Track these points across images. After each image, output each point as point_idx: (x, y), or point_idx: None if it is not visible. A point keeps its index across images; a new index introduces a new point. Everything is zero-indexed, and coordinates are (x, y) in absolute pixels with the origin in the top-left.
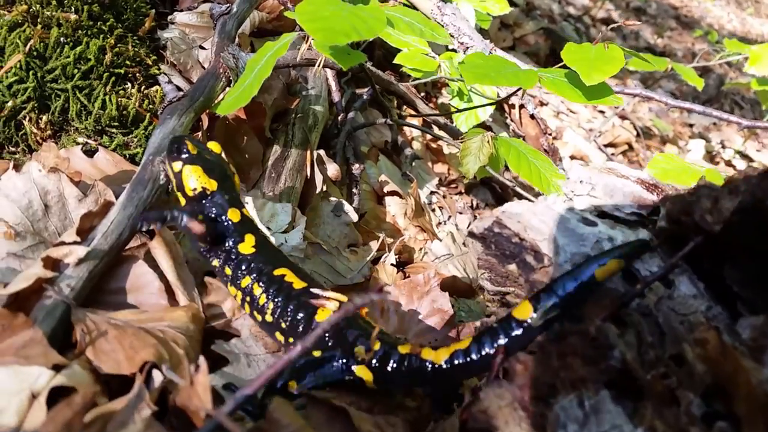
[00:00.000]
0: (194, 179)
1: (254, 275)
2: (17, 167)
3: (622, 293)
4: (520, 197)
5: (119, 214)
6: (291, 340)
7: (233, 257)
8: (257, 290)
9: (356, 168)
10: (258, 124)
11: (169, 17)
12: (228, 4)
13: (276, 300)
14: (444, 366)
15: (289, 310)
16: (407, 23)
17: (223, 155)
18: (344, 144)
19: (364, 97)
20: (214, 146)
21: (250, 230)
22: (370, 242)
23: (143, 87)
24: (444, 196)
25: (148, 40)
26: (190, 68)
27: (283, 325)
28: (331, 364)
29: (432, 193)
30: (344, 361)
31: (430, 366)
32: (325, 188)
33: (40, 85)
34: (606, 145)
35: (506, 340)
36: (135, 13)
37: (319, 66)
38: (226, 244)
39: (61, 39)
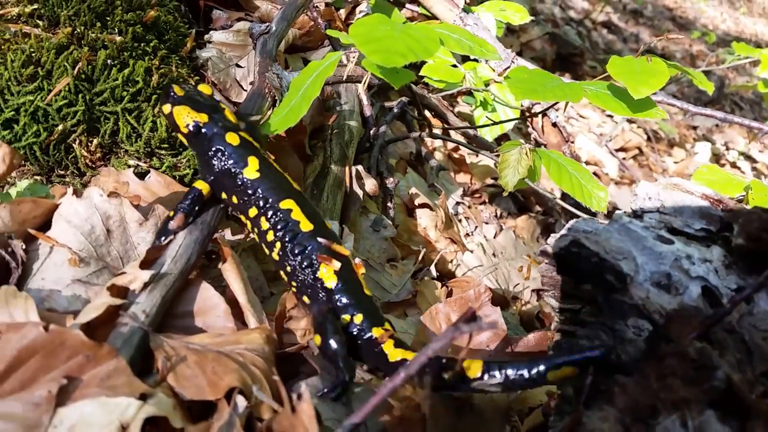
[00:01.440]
0: (184, 116)
1: (260, 204)
2: (77, 192)
3: (711, 313)
4: (545, 208)
5: (186, 238)
6: (293, 284)
7: (239, 183)
8: (264, 224)
9: (390, 182)
10: (298, 141)
11: (206, 36)
12: (265, 24)
13: (284, 240)
14: (391, 361)
15: (294, 254)
16: (456, 40)
17: (214, 95)
18: (377, 158)
19: (394, 110)
20: (204, 88)
21: (252, 153)
22: (407, 256)
23: None
24: (469, 206)
25: (188, 60)
26: (229, 87)
27: (288, 269)
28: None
29: (458, 203)
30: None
31: (383, 357)
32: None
33: (89, 108)
34: (617, 150)
35: (443, 377)
36: (176, 33)
37: (364, 84)
38: (231, 171)
39: (108, 61)
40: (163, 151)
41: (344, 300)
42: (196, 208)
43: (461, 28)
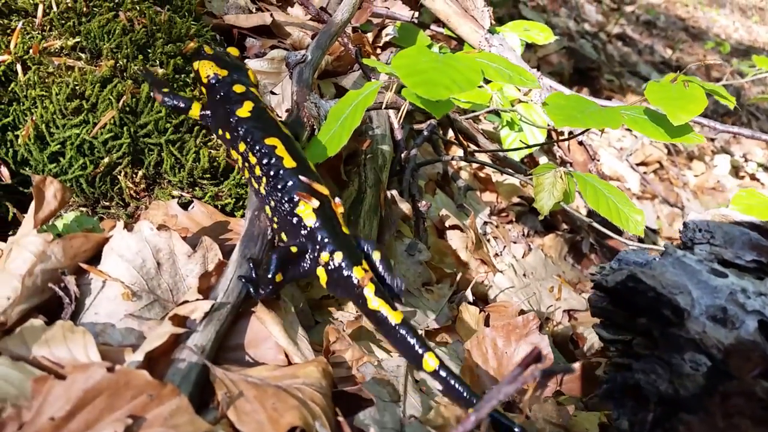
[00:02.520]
0: (207, 69)
1: (248, 140)
2: (128, 226)
3: None
4: (572, 226)
5: (236, 272)
6: (276, 220)
7: (231, 120)
8: (252, 159)
9: (423, 205)
10: (333, 167)
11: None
12: (301, 52)
13: (269, 174)
14: (369, 307)
15: (277, 189)
16: (495, 69)
17: (240, 57)
18: (409, 181)
19: (424, 133)
20: (232, 50)
21: (250, 99)
22: (442, 279)
23: None
24: (497, 226)
25: None
26: None
27: (272, 203)
28: (302, 260)
29: (485, 223)
30: (311, 259)
31: (363, 301)
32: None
33: (133, 140)
34: (638, 164)
35: (412, 344)
36: None
37: (402, 113)
38: (227, 109)
39: (152, 93)
40: (205, 181)
41: (323, 238)
42: (175, 110)
43: (500, 57)
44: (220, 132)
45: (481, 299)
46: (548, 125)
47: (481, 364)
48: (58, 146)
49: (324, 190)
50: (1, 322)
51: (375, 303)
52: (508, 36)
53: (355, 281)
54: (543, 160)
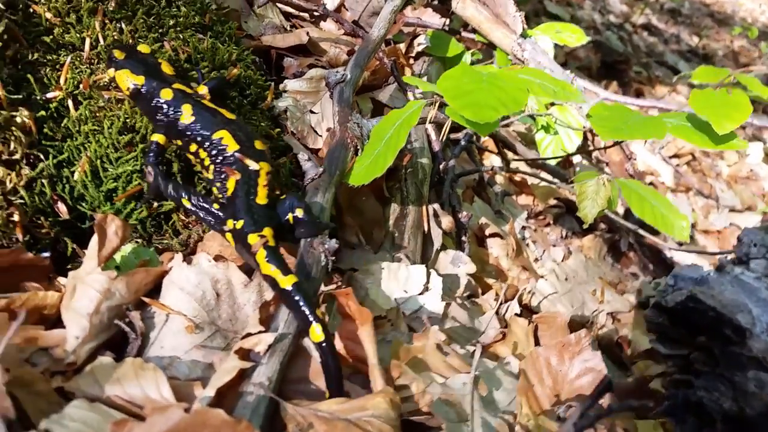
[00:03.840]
0: (124, 80)
1: (198, 140)
2: (187, 259)
3: None
4: (609, 225)
5: None
6: (220, 196)
7: (179, 129)
8: (203, 154)
9: (463, 216)
10: (376, 184)
11: (281, 86)
12: (341, 71)
13: (216, 161)
14: (263, 272)
15: (216, 170)
16: (540, 86)
17: (152, 53)
18: (449, 193)
19: (462, 143)
20: (143, 48)
21: (185, 102)
22: (486, 290)
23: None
24: (535, 230)
25: (268, 111)
26: (306, 134)
27: (218, 184)
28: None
29: (524, 227)
30: (219, 220)
31: (257, 264)
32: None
33: (183, 172)
34: (670, 157)
35: (302, 309)
36: (256, 87)
37: (445, 131)
38: (171, 120)
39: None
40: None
41: (235, 206)
42: (160, 157)
43: (543, 72)
44: (174, 141)
45: (526, 307)
46: (584, 127)
47: (537, 384)
48: (113, 183)
49: (257, 166)
50: (72, 362)
51: (269, 269)
52: (540, 39)
53: (250, 245)
54: (577, 159)
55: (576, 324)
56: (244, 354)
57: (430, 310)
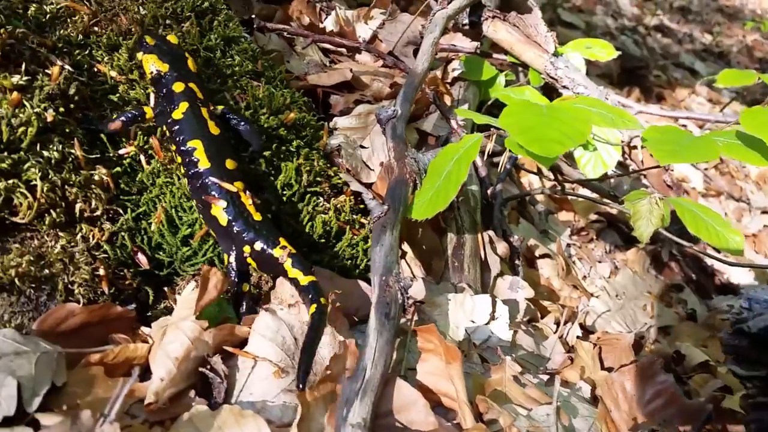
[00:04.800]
0: (151, 64)
1: (177, 140)
2: (262, 306)
3: None
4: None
5: (377, 340)
6: (203, 217)
7: (169, 121)
8: (178, 158)
9: (515, 240)
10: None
11: (331, 124)
12: (392, 108)
13: (189, 175)
14: (289, 276)
15: (195, 189)
16: (597, 114)
17: (180, 45)
18: (499, 218)
19: (507, 166)
20: (172, 38)
21: (187, 99)
22: (544, 313)
23: (332, 199)
24: (579, 246)
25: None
26: (360, 170)
27: (196, 202)
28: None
29: (569, 245)
30: (241, 260)
31: (284, 270)
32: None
33: None
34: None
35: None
36: (311, 128)
37: (502, 166)
38: (167, 110)
39: (265, 170)
40: (321, 246)
41: (239, 233)
42: (134, 123)
43: (599, 101)
44: (164, 128)
45: (581, 326)
46: (621, 141)
47: (614, 409)
48: (188, 229)
49: (233, 187)
50: (153, 402)
51: (293, 272)
52: (571, 56)
53: (277, 258)
54: (612, 170)
55: (635, 342)
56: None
57: (499, 339)
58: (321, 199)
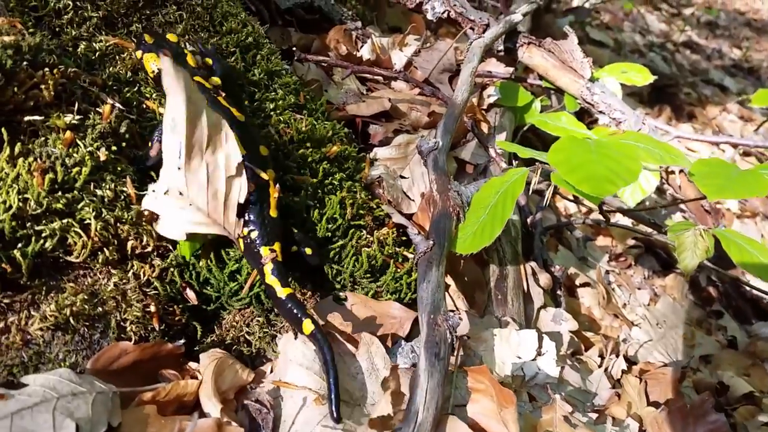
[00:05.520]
0: (151, 63)
1: None
2: (295, 334)
3: None
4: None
5: (429, 382)
6: None
7: None
8: None
9: (557, 270)
10: None
11: (371, 155)
12: (432, 139)
13: None
14: (266, 281)
15: None
16: (645, 150)
17: (179, 43)
18: (540, 247)
19: (546, 196)
20: (171, 37)
21: (201, 92)
22: (587, 344)
23: (375, 231)
24: (618, 273)
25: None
26: (401, 201)
27: None
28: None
29: (607, 272)
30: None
31: (262, 273)
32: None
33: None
34: None
35: (295, 312)
36: (353, 160)
37: (549, 195)
38: None
39: (309, 202)
40: (365, 281)
41: (249, 216)
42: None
43: (646, 136)
44: None
45: (627, 360)
46: (659, 167)
47: None
48: (235, 264)
49: (266, 176)
50: None
51: (271, 279)
52: (607, 81)
53: (261, 257)
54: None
55: (677, 373)
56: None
57: (546, 376)
58: (364, 232)
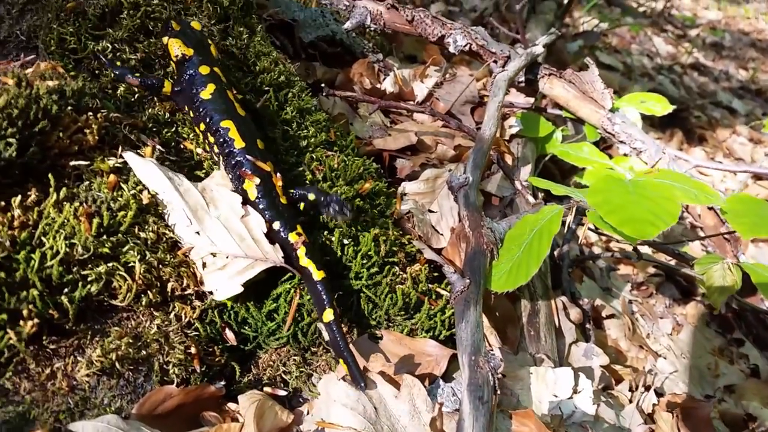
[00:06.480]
0: (176, 48)
1: (207, 120)
2: (345, 377)
3: None
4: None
5: (473, 426)
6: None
7: (195, 101)
8: (211, 138)
9: (585, 303)
10: None
11: (400, 189)
12: (462, 175)
13: (224, 153)
14: (300, 264)
15: (230, 167)
16: (680, 189)
17: (203, 31)
18: (568, 280)
19: (572, 226)
20: (195, 24)
21: (213, 81)
22: (617, 378)
23: (407, 267)
24: (641, 302)
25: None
26: (430, 235)
27: (230, 178)
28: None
29: (630, 301)
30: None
31: (296, 259)
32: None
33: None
34: None
35: (323, 297)
36: (384, 196)
37: (583, 234)
38: (193, 90)
39: (344, 240)
40: (399, 318)
41: (264, 209)
42: (150, 91)
43: (681, 175)
44: (186, 109)
45: (648, 387)
46: None
47: None
48: (273, 304)
49: (266, 167)
50: None
51: (305, 261)
52: (627, 111)
53: (291, 243)
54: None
55: (702, 405)
56: None
57: (583, 414)
58: (397, 268)
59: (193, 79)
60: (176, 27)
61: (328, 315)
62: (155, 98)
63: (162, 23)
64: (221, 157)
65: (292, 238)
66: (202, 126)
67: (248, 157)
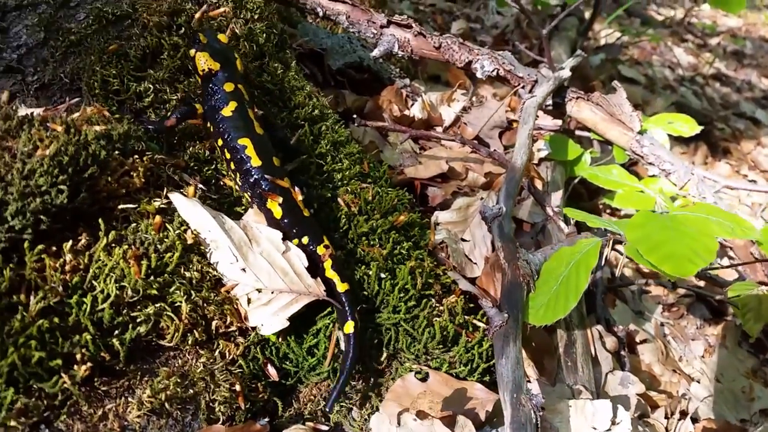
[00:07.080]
0: (203, 61)
1: (225, 137)
2: (390, 418)
3: None
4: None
5: None
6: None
7: (216, 117)
8: (227, 155)
9: (620, 330)
10: None
11: (433, 218)
12: (496, 206)
13: (239, 170)
14: (326, 275)
15: (248, 184)
16: (716, 223)
17: (230, 44)
18: (601, 306)
19: (604, 252)
20: (222, 37)
21: (235, 99)
22: (652, 405)
23: (443, 299)
24: (672, 324)
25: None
26: (464, 265)
27: (247, 196)
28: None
29: (662, 324)
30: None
31: (322, 271)
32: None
33: (375, 324)
34: None
35: (346, 308)
36: (418, 227)
37: (620, 267)
38: (216, 107)
39: (381, 274)
40: (437, 351)
41: (290, 227)
42: (187, 119)
43: (717, 209)
44: (207, 124)
45: (683, 414)
46: None
47: None
48: (313, 339)
49: (285, 184)
50: None
51: (330, 273)
52: (655, 133)
53: (319, 255)
54: None
55: (736, 428)
56: None
57: None
58: (434, 300)
59: (217, 95)
60: (203, 40)
61: (349, 327)
62: (196, 137)
63: (190, 35)
64: (237, 174)
65: (320, 250)
66: (220, 141)
67: (266, 176)
